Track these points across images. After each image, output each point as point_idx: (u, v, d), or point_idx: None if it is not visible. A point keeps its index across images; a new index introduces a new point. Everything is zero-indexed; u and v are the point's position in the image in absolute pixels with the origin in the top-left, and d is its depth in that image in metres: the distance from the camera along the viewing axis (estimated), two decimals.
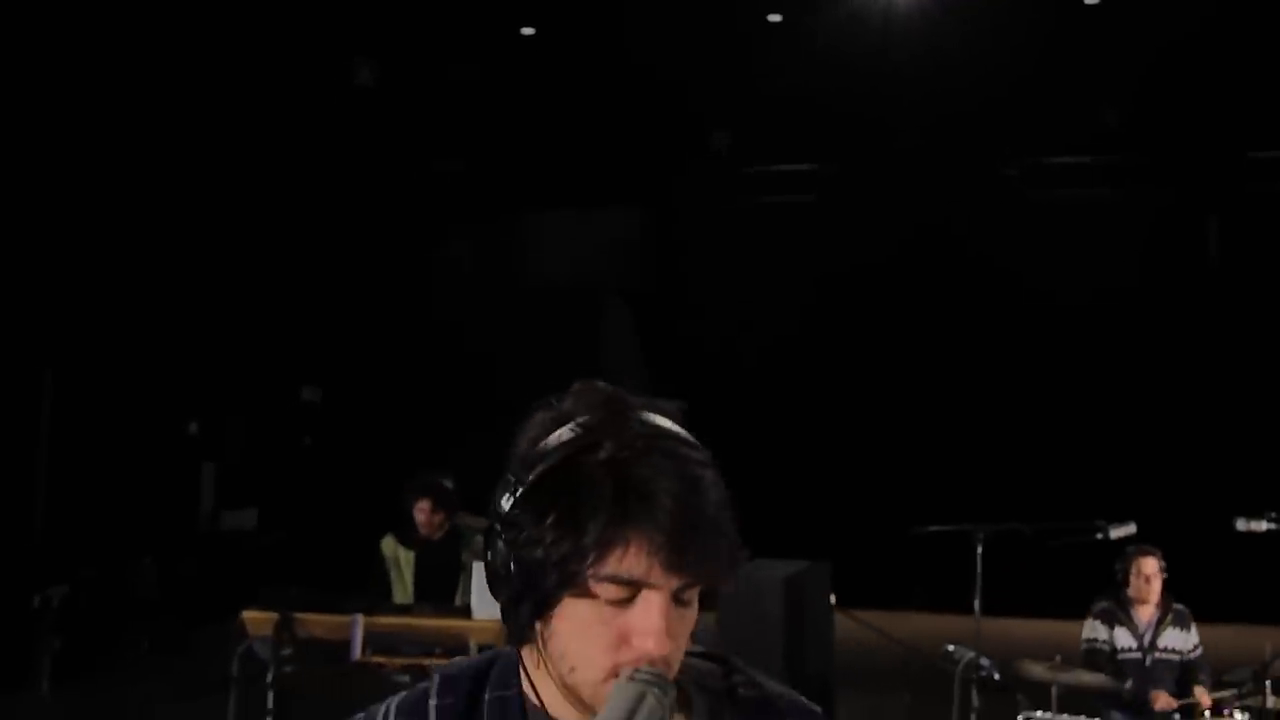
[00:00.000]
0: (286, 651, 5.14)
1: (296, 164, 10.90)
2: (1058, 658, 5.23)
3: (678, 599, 1.34)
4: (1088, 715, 5.31)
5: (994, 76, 9.96)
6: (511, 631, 1.39)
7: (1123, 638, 5.61)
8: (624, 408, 1.37)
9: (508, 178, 12.14)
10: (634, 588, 1.32)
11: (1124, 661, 5.56)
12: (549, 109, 11.23)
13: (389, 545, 5.92)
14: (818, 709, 1.49)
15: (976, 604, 5.31)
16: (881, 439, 11.63)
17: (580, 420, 1.36)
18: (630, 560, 1.31)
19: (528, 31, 11.17)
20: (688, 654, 1.49)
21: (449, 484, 5.89)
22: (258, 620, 4.98)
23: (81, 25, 8.62)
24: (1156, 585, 5.62)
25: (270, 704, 4.97)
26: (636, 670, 1.30)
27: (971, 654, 5.33)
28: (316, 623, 4.96)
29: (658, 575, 1.30)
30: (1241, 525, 5.14)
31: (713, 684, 1.50)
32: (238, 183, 10.69)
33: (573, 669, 1.36)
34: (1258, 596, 9.31)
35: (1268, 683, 5.00)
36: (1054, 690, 5.18)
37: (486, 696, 1.50)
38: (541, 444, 1.35)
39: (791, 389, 12.04)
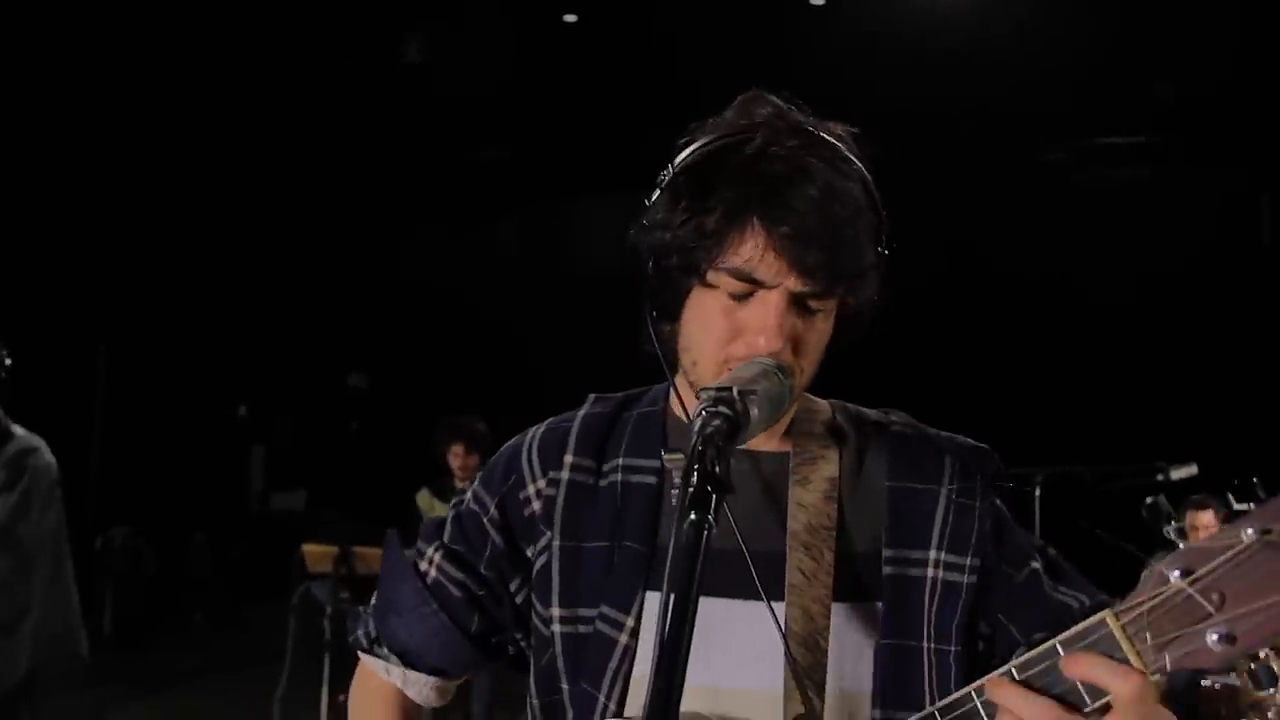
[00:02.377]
0: (345, 595, 5.17)
1: (346, 150, 11.01)
2: (1116, 601, 5.17)
3: (803, 306, 1.35)
4: None
5: (1040, 53, 9.91)
6: (660, 350, 1.43)
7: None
8: (783, 112, 1.40)
9: (555, 163, 12.20)
10: (752, 284, 1.33)
11: None
12: (596, 95, 11.28)
13: (424, 499, 5.92)
14: (985, 446, 1.50)
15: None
16: (937, 386, 11.50)
17: (739, 121, 1.39)
18: (750, 253, 1.33)
19: (570, 19, 11.27)
20: (858, 408, 1.53)
21: (482, 428, 5.87)
22: (317, 554, 5.02)
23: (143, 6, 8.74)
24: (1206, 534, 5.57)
25: (328, 635, 4.99)
26: (757, 357, 1.32)
27: None
28: (376, 556, 4.99)
29: (777, 272, 1.32)
30: None
31: (868, 417, 1.52)
32: (291, 168, 10.81)
33: (694, 363, 1.40)
34: None
35: None
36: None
37: (635, 412, 1.53)
38: (695, 142, 1.38)
39: (842, 353, 11.85)
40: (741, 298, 1.35)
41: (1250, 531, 1.02)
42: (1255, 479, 5.10)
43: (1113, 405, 10.71)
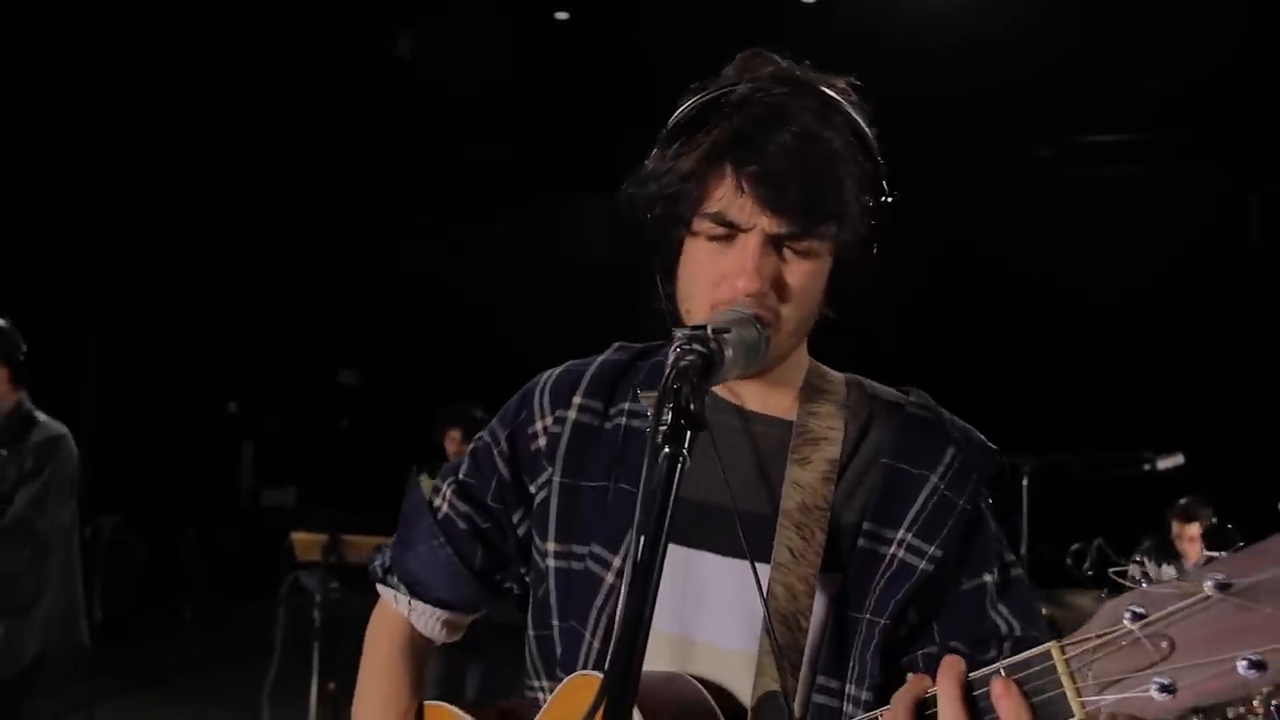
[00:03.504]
0: (334, 584, 5.17)
1: (338, 146, 11.00)
2: (1104, 590, 5.20)
3: (787, 247, 1.37)
4: None
5: (1030, 51, 9.94)
6: (664, 304, 1.47)
7: (1169, 575, 5.55)
8: (777, 65, 1.42)
9: (546, 160, 12.20)
10: (729, 228, 1.36)
11: None
12: (587, 92, 11.29)
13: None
14: (993, 447, 1.51)
15: (1023, 537, 5.28)
16: (929, 376, 11.51)
17: (732, 75, 1.42)
18: (725, 197, 1.36)
19: (562, 16, 11.27)
20: (876, 385, 1.55)
21: (480, 415, 5.88)
22: (306, 542, 5.02)
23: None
24: (1196, 549, 5.56)
25: (317, 624, 4.99)
26: (736, 305, 1.35)
27: None
28: (365, 544, 4.99)
29: (750, 214, 1.35)
30: None
31: (883, 396, 1.54)
32: (282, 164, 10.80)
33: (688, 311, 1.44)
34: None
35: None
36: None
37: (650, 360, 1.59)
38: (690, 98, 1.42)
39: (831, 345, 11.84)
40: (723, 241, 1.36)
41: (1210, 583, 0.97)
42: (1230, 526, 5.13)
43: (1101, 397, 10.77)
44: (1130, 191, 11.41)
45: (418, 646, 1.67)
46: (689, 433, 1.12)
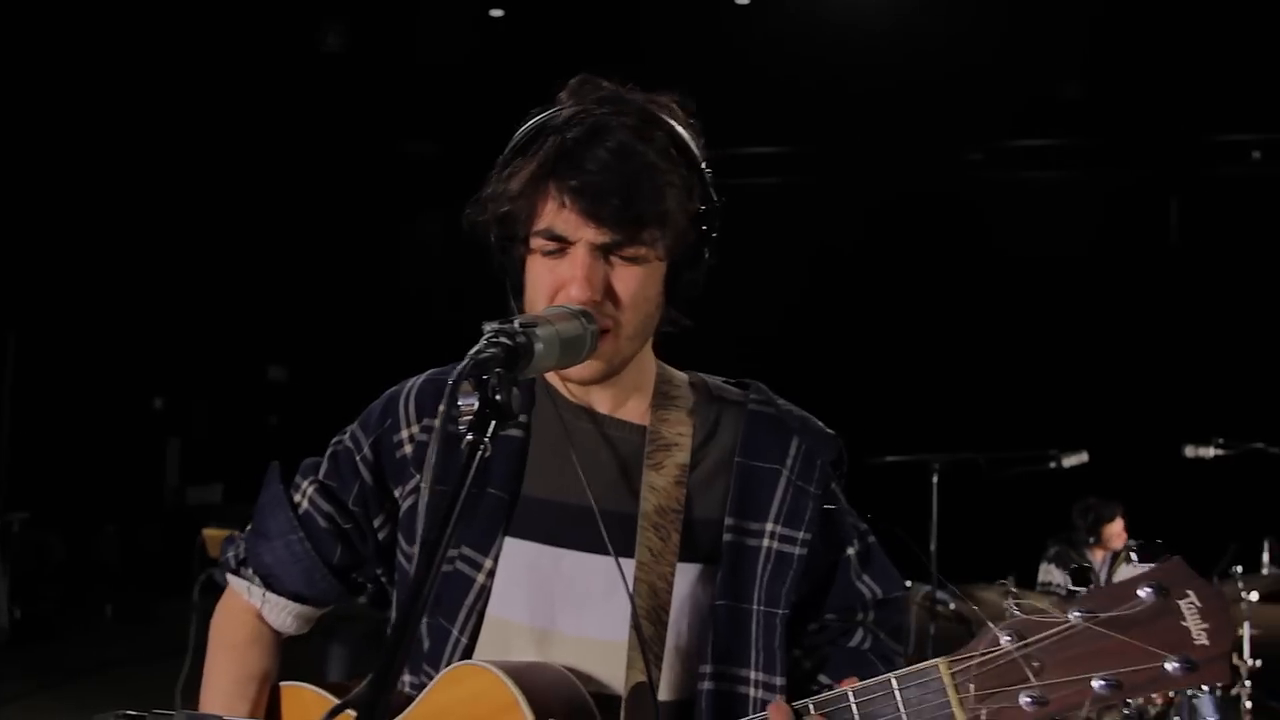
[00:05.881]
0: None
1: (265, 138, 10.90)
2: (1010, 578, 5.30)
3: (614, 256, 1.45)
4: None
5: (958, 57, 10.10)
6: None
7: (1066, 581, 5.74)
8: (599, 86, 1.52)
9: (480, 157, 12.14)
10: (558, 241, 1.43)
11: None
12: (522, 89, 11.25)
13: None
14: (831, 432, 1.63)
15: (933, 533, 5.38)
16: (844, 374, 11.63)
17: (564, 100, 1.50)
18: (552, 212, 1.45)
19: (496, 13, 11.26)
20: (723, 380, 1.65)
21: None
22: (218, 539, 4.97)
23: None
24: (1122, 539, 5.79)
25: None
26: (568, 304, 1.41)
27: (928, 587, 5.41)
28: None
29: (576, 227, 1.43)
30: (1190, 452, 5.24)
31: (727, 396, 1.61)
32: (206, 157, 10.68)
33: None
34: (1205, 521, 9.33)
35: None
36: (1007, 614, 5.23)
37: None
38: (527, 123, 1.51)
39: (751, 340, 11.83)
40: (556, 255, 1.45)
41: (1077, 614, 1.16)
42: (1159, 540, 5.26)
43: (1011, 396, 10.98)
44: (1054, 194, 11.62)
45: (267, 637, 1.69)
46: (493, 422, 1.17)
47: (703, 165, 1.51)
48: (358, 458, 1.62)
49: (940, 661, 1.24)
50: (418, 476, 1.57)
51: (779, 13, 10.45)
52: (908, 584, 5.46)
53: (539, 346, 1.28)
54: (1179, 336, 11.26)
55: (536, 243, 1.47)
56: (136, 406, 11.08)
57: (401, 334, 12.38)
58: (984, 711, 1.20)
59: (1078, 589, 1.25)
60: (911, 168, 11.64)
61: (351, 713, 1.14)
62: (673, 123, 1.49)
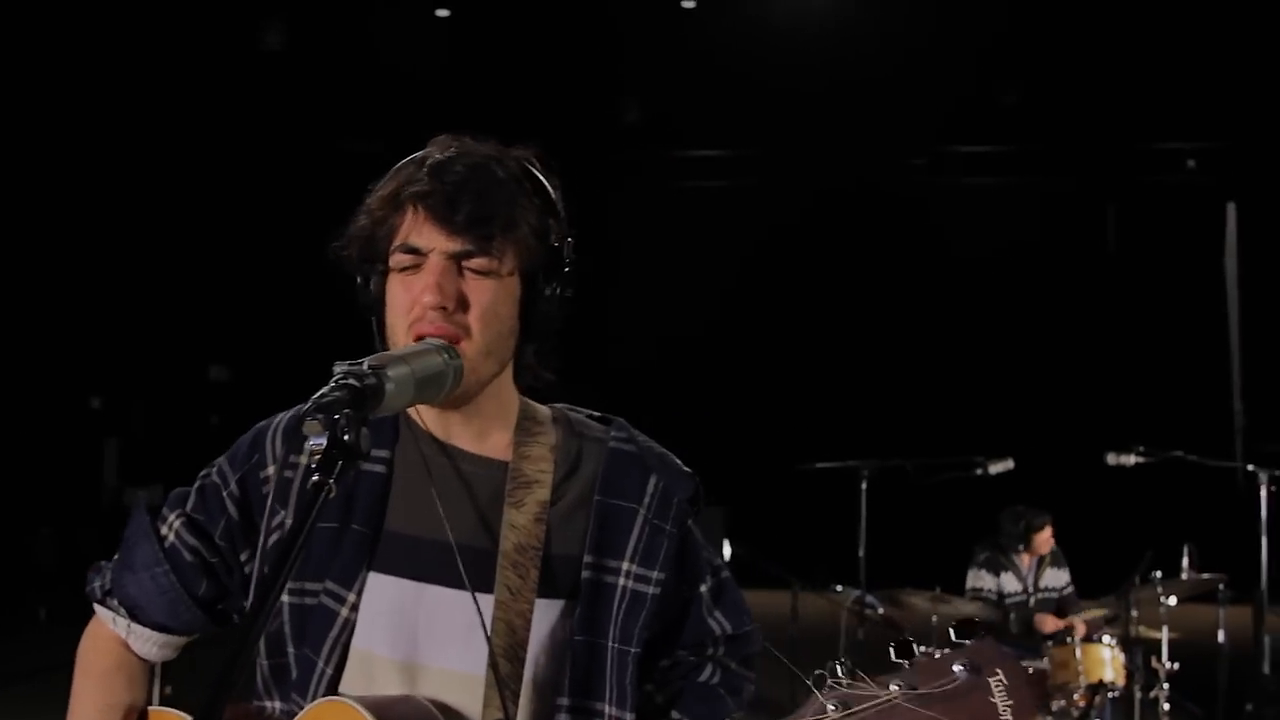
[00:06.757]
0: None
1: (206, 137, 10.81)
2: (937, 589, 5.40)
3: (467, 267, 1.50)
4: None
5: (899, 65, 10.21)
6: (380, 348, 1.55)
7: (1008, 583, 5.87)
8: (462, 141, 1.57)
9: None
10: (415, 254, 1.50)
11: (1011, 605, 5.83)
12: (468, 88, 11.24)
13: None
14: (688, 470, 1.67)
15: (861, 539, 5.45)
16: (774, 380, 11.69)
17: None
18: (409, 227, 1.51)
19: (443, 14, 11.22)
20: (586, 414, 1.68)
21: None
22: None
23: None
24: (1049, 545, 5.92)
25: None
26: (427, 338, 1.45)
27: (857, 592, 5.48)
28: None
29: (430, 239, 1.49)
30: (1112, 459, 5.36)
31: (588, 433, 1.66)
32: (147, 155, 10.57)
33: (394, 343, 1.52)
34: (1126, 527, 9.52)
35: (1132, 606, 5.24)
36: (934, 620, 5.33)
37: None
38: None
39: (686, 341, 11.85)
40: (412, 271, 1.51)
41: (895, 687, 1.24)
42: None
43: (939, 403, 11.13)
44: (992, 200, 11.76)
45: (133, 665, 1.71)
46: (340, 463, 1.21)
47: (558, 205, 1.57)
48: (225, 493, 1.64)
49: None
50: (282, 512, 1.59)
51: (724, 17, 10.51)
52: (838, 588, 5.60)
53: (389, 387, 1.30)
54: (1107, 344, 11.46)
55: (395, 259, 1.51)
56: (73, 405, 10.94)
57: (341, 333, 12.30)
58: None
59: (900, 661, 1.27)
60: (853, 174, 11.74)
61: None
62: (529, 162, 1.55)
